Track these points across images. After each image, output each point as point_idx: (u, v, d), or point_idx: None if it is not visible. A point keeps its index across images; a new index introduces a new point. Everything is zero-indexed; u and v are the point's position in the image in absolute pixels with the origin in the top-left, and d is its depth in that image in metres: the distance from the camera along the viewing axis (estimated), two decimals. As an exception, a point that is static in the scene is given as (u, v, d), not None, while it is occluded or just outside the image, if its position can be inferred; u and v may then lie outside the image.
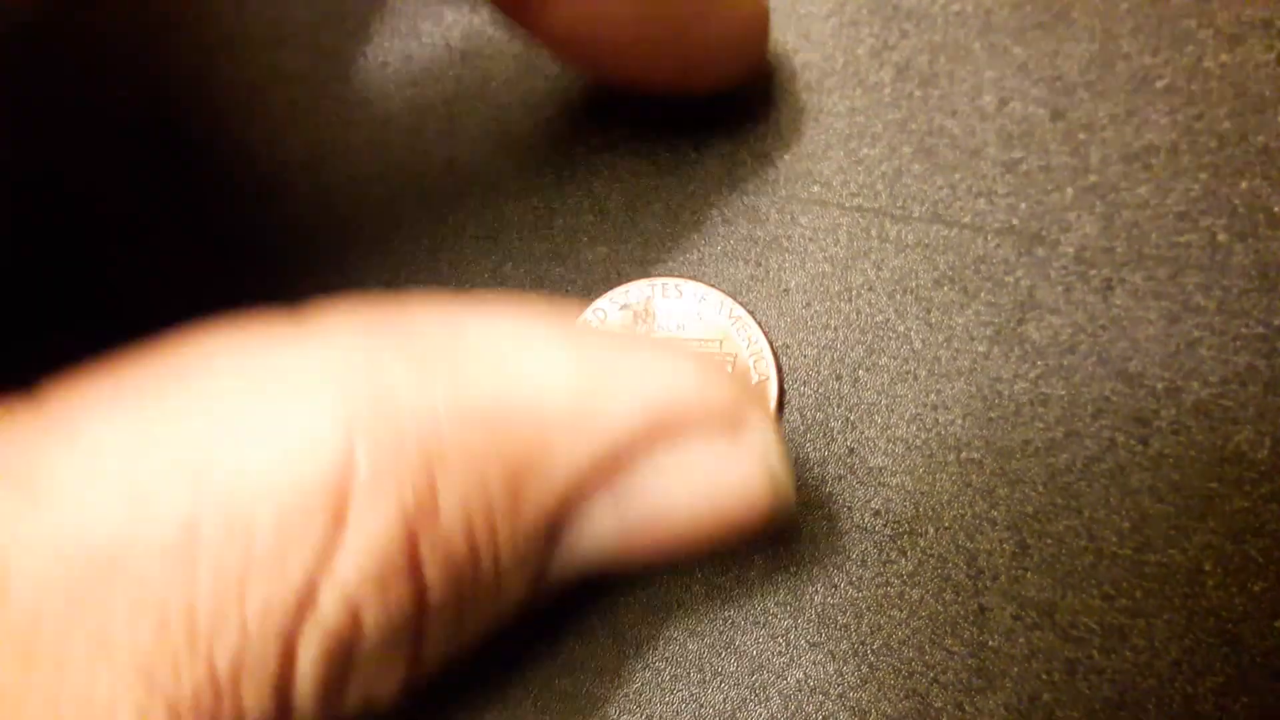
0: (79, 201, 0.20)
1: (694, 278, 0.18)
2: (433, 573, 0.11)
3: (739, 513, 0.13)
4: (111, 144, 0.21)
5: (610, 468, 0.12)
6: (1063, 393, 0.17)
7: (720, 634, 0.17)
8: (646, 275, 0.19)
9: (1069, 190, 0.18)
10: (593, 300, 0.18)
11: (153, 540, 0.10)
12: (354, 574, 0.10)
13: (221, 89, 0.21)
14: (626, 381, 0.12)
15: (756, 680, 0.17)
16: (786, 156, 0.19)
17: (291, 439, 0.10)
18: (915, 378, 0.18)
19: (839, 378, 0.18)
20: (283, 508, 0.10)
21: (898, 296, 0.18)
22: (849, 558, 0.17)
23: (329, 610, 0.10)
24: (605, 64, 0.16)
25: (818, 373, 0.18)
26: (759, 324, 0.18)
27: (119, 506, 0.10)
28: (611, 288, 0.18)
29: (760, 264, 0.18)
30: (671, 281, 0.18)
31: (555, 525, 0.12)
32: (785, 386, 0.18)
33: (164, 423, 0.10)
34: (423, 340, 0.12)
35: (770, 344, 0.18)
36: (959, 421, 0.17)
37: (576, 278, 0.19)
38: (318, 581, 0.10)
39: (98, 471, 0.10)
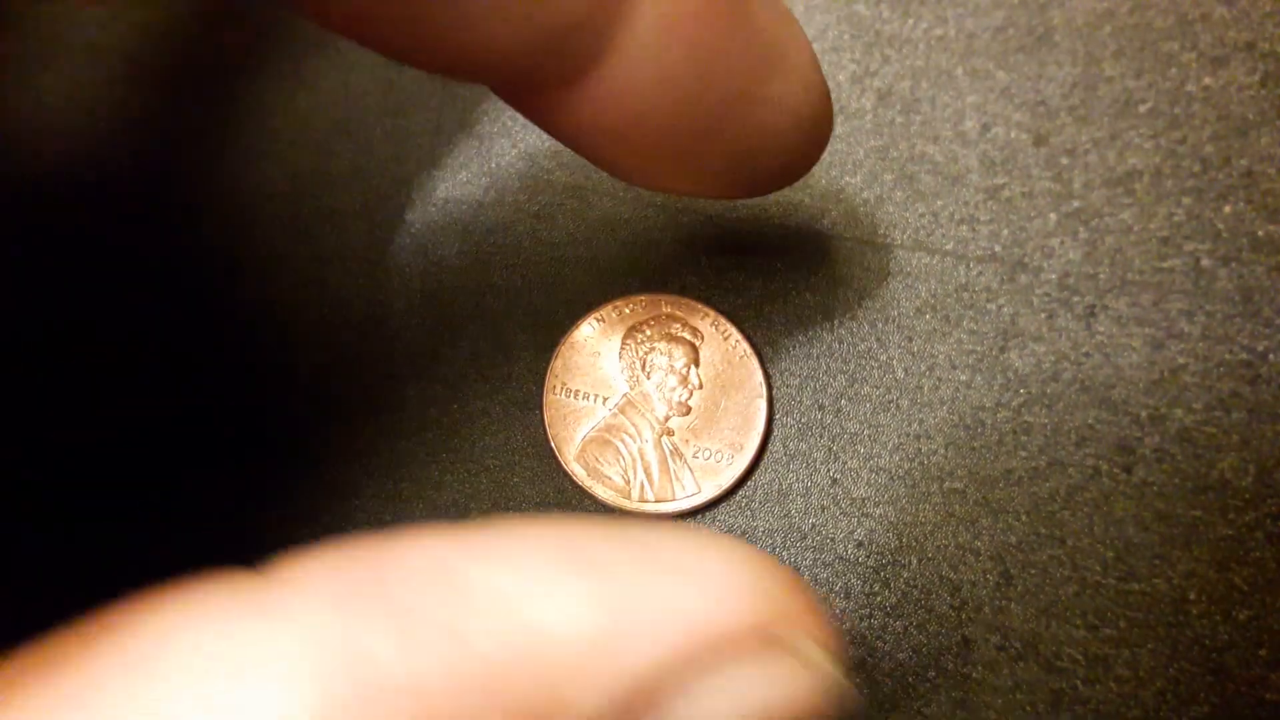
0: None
1: (676, 308, 0.18)
2: None
3: None
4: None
5: (633, 708, 0.11)
6: (1046, 421, 0.17)
7: (703, 668, 0.17)
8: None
9: (1051, 216, 0.18)
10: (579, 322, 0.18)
11: None
12: None
13: (197, 116, 0.21)
14: (651, 608, 0.11)
15: (740, 714, 0.17)
16: (768, 185, 0.19)
17: None
18: (898, 407, 0.18)
19: (821, 407, 0.18)
20: None
21: (880, 325, 0.18)
22: (832, 590, 0.17)
23: None
24: (634, 170, 0.14)
25: (800, 403, 0.18)
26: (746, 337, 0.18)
27: None
28: (591, 318, 0.18)
29: (742, 294, 0.18)
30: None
31: None
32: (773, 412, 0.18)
33: None
34: (411, 596, 0.11)
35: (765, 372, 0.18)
36: (942, 451, 0.17)
37: (559, 307, 0.19)
38: None
39: None
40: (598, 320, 0.18)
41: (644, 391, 0.18)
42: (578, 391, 0.18)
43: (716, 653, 0.11)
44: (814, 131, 0.15)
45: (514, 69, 0.12)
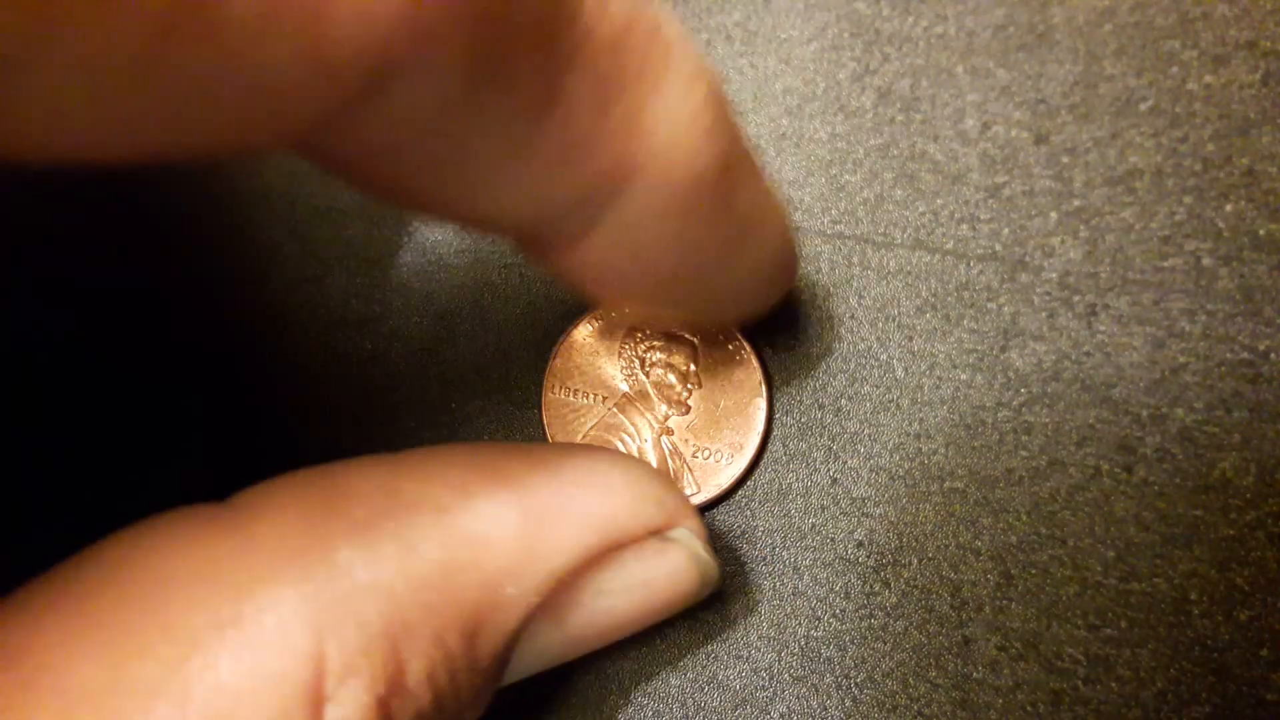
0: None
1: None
2: None
3: (673, 601, 0.15)
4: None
5: (554, 597, 0.13)
6: (1046, 420, 0.17)
7: (703, 668, 0.17)
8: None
9: (1052, 215, 0.18)
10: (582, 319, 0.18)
11: None
12: None
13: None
14: (565, 519, 0.13)
15: (740, 715, 0.16)
16: (767, 183, 0.19)
17: (262, 645, 0.11)
18: (898, 406, 0.17)
19: (821, 407, 0.18)
20: (264, 714, 0.11)
21: (880, 324, 0.18)
22: (832, 590, 0.17)
23: None
24: (619, 305, 0.15)
25: (800, 402, 0.18)
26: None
27: None
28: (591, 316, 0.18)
29: (741, 293, 0.18)
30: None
31: (508, 655, 0.13)
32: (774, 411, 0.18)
33: (129, 653, 0.11)
34: (365, 513, 0.12)
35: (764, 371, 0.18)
36: (942, 451, 0.17)
37: (557, 306, 0.19)
38: None
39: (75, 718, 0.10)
40: (597, 319, 0.18)
41: (643, 391, 0.18)
42: (577, 390, 0.18)
43: (620, 549, 0.14)
44: (783, 276, 0.16)
45: (517, 235, 0.13)
